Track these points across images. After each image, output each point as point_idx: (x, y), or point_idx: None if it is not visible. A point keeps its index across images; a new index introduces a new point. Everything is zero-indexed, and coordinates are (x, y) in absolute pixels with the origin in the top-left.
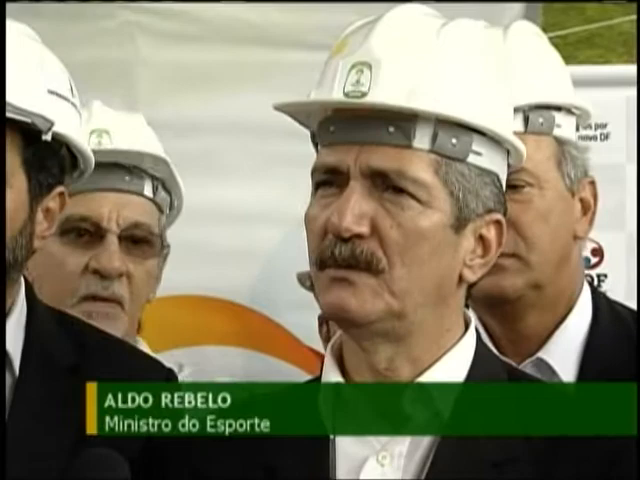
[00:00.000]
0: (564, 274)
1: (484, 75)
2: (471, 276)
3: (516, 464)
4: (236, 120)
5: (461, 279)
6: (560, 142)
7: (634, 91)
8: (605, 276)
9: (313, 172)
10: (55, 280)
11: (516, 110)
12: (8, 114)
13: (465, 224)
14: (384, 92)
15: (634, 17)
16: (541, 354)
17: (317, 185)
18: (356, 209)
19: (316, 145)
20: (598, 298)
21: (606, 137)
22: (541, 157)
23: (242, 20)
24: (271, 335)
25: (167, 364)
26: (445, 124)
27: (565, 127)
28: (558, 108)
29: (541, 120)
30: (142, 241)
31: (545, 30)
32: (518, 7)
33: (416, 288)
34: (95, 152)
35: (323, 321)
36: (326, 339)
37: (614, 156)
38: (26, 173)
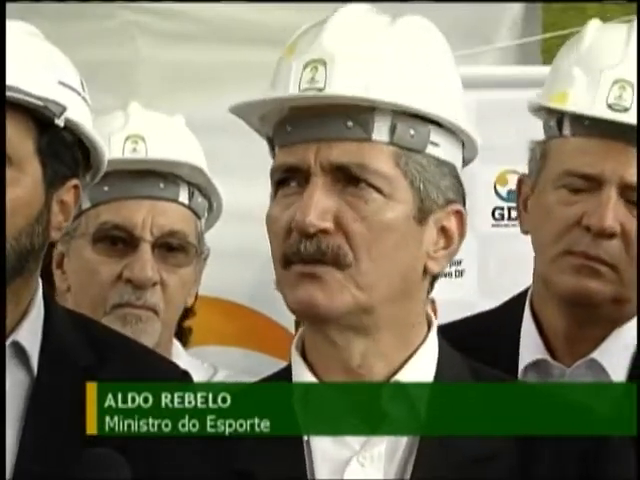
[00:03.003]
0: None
1: (435, 68)
2: (435, 267)
3: (497, 460)
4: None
5: (425, 271)
6: None
7: None
8: None
9: (272, 173)
10: (89, 288)
11: None
12: (20, 100)
13: (427, 215)
14: (340, 87)
15: (634, 17)
16: (595, 355)
17: (277, 185)
18: (319, 205)
19: (272, 149)
20: None
21: None
22: None
23: (242, 20)
24: (271, 335)
25: (191, 368)
26: (402, 116)
27: None
28: None
29: None
30: (177, 249)
31: (545, 30)
32: (518, 7)
33: (383, 281)
34: (129, 161)
35: (300, 325)
36: None
37: None
38: (40, 161)
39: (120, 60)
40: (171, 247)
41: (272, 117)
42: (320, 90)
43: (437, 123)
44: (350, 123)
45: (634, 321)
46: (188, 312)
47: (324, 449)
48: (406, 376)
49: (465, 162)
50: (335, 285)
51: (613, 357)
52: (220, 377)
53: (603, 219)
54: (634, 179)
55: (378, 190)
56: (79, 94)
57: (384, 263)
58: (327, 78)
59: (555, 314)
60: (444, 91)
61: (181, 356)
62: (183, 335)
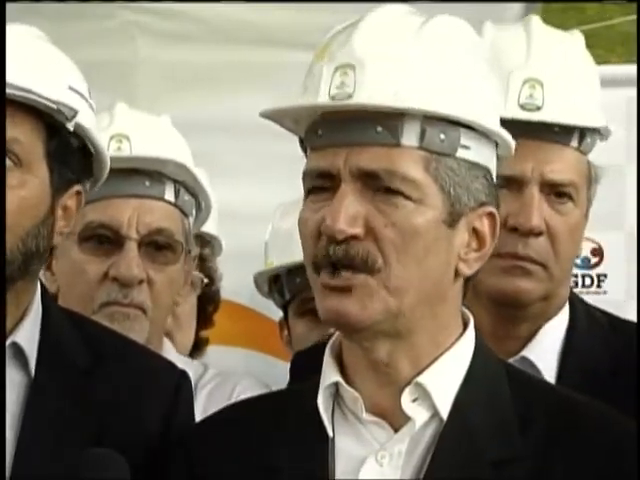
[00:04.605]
0: (565, 288)
1: (468, 68)
2: (467, 270)
3: (515, 462)
4: (236, 120)
5: (457, 274)
6: (590, 165)
7: (634, 91)
8: (605, 276)
9: (304, 177)
10: (76, 287)
11: (575, 128)
12: (35, 102)
13: (458, 218)
14: (369, 92)
15: (634, 17)
16: (525, 353)
17: (308, 190)
18: (349, 210)
19: (305, 150)
20: (574, 300)
21: (606, 137)
22: (582, 176)
23: (242, 20)
24: (271, 335)
25: (185, 368)
26: (432, 120)
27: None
28: (598, 131)
29: (589, 141)
30: (164, 247)
31: None
32: (518, 7)
33: (413, 286)
34: (114, 159)
35: (284, 325)
36: (287, 342)
37: (614, 156)
38: (48, 165)
39: (120, 60)
40: (158, 245)
41: (305, 120)
42: (349, 95)
43: (468, 126)
44: (379, 128)
45: (559, 316)
46: (207, 322)
47: (346, 447)
48: (430, 377)
49: (499, 159)
50: (365, 293)
51: (542, 354)
52: (209, 375)
53: (530, 218)
54: (553, 175)
55: (407, 196)
56: (86, 100)
57: (414, 268)
58: (356, 83)
59: (483, 314)
60: (475, 92)
61: (171, 354)
62: (200, 345)
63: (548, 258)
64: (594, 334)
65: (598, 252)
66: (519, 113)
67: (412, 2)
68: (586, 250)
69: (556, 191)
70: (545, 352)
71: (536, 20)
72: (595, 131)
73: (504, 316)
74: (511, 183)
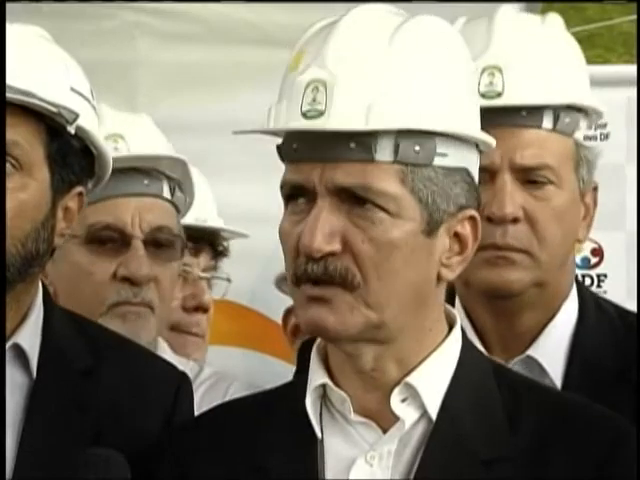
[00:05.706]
0: (564, 275)
1: (441, 73)
2: (449, 274)
3: (505, 462)
4: (236, 120)
5: (439, 278)
6: (578, 145)
7: (634, 91)
8: (605, 276)
9: (282, 187)
10: (83, 289)
11: (547, 107)
12: (35, 106)
13: (437, 226)
14: (341, 111)
15: (634, 17)
16: (530, 352)
17: (287, 199)
18: (326, 228)
19: (281, 157)
20: (584, 294)
21: (606, 137)
22: (564, 157)
23: (242, 20)
24: (271, 335)
25: (181, 368)
26: (406, 133)
27: (582, 130)
28: (580, 109)
29: (568, 120)
30: (165, 244)
31: None
32: (518, 7)
33: (393, 298)
34: (115, 159)
35: (291, 313)
36: (291, 332)
37: (614, 156)
38: (49, 167)
39: (120, 60)
40: (160, 243)
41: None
42: (321, 113)
43: (444, 133)
44: (353, 145)
45: (566, 309)
46: None
47: (335, 448)
48: (418, 378)
49: (481, 152)
50: (345, 307)
51: (548, 352)
52: (205, 375)
53: (502, 206)
54: (524, 161)
55: (384, 210)
56: (89, 101)
57: (394, 281)
58: (328, 100)
59: (482, 312)
60: (451, 96)
61: (166, 353)
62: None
63: (531, 245)
64: (603, 328)
65: (598, 252)
66: (480, 102)
67: (412, 2)
68: (586, 250)
69: (531, 176)
70: (552, 350)
71: (503, 10)
72: (576, 110)
73: (501, 309)
74: (483, 174)
